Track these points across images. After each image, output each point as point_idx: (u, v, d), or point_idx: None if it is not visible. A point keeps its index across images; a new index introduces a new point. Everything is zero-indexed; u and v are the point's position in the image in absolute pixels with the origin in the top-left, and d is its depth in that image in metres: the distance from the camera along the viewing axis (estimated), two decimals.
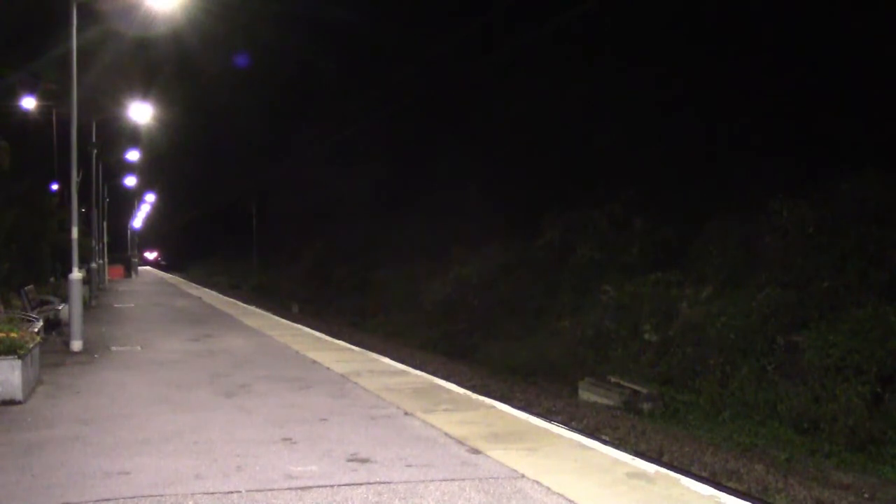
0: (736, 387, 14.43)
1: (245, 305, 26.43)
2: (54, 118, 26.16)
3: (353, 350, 13.35)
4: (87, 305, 18.14)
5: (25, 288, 16.84)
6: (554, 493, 5.00)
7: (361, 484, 5.16)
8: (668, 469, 6.27)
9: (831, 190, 16.83)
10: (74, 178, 13.87)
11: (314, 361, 11.39)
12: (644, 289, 19.02)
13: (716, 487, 5.82)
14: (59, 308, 16.28)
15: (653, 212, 22.26)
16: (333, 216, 48.89)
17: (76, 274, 13.05)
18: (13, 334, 8.61)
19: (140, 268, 70.92)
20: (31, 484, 5.25)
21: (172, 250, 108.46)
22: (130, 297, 29.42)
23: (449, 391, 9.04)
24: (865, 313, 13.60)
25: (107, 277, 36.80)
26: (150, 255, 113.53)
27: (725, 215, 19.27)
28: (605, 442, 9.22)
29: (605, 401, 15.19)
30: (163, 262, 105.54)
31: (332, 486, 5.13)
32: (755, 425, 13.18)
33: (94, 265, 27.38)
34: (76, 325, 12.70)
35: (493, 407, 8.14)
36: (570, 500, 4.87)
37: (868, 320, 13.41)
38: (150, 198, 65.52)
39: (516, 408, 8.81)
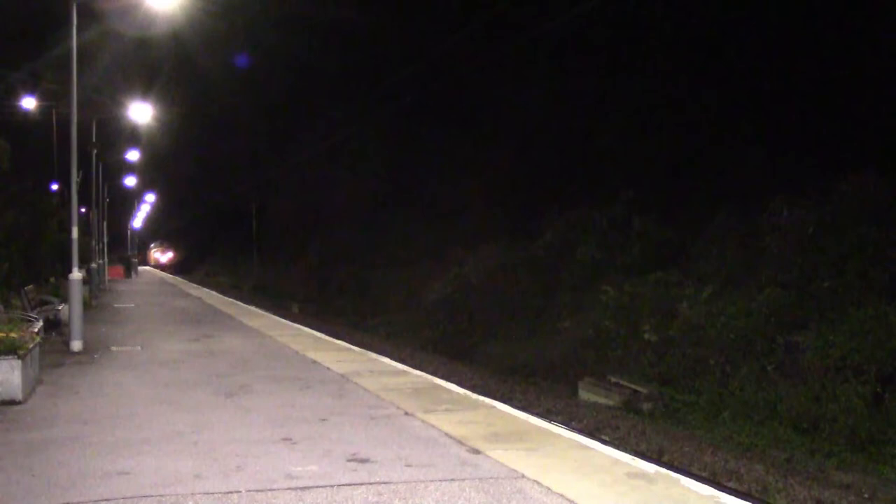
0: (736, 387, 14.42)
1: (245, 305, 26.44)
2: (54, 118, 26.17)
3: (353, 350, 13.35)
4: (87, 305, 18.13)
5: (25, 288, 16.85)
6: (554, 493, 5.00)
7: (361, 484, 5.16)
8: (668, 469, 6.27)
9: (831, 190, 16.83)
10: (74, 178, 13.87)
11: (314, 361, 11.39)
12: (644, 289, 19.02)
13: (716, 487, 5.82)
14: (59, 308, 16.28)
15: (653, 212, 22.27)
16: (333, 216, 48.91)
17: (76, 274, 13.04)
18: (13, 334, 8.61)
19: (140, 268, 70.86)
20: (31, 484, 5.25)
21: (184, 251, 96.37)
22: (130, 297, 29.41)
23: (449, 391, 9.04)
24: (865, 313, 13.60)
25: (107, 277, 36.79)
26: (163, 257, 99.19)
27: (725, 215, 19.27)
28: (605, 442, 9.22)
29: (605, 401, 15.18)
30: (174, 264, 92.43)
31: (332, 486, 5.13)
32: (755, 425, 13.17)
33: (94, 265, 27.39)
34: (76, 325, 12.70)
35: (494, 407, 8.14)
36: (570, 500, 4.87)
37: (868, 320, 13.41)
38: (151, 198, 65.58)
39: (516, 408, 8.81)
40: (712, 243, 19.04)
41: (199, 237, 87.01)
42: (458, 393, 8.92)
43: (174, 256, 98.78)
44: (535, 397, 15.61)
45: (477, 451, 6.06)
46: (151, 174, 54.70)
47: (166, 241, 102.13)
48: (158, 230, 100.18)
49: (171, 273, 74.08)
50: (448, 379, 11.70)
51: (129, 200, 58.27)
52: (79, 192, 14.25)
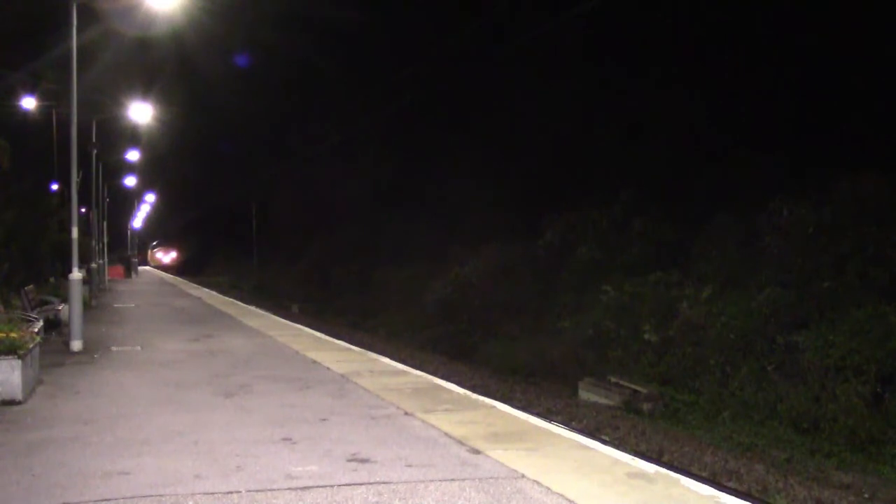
0: (736, 387, 14.43)
1: (245, 305, 26.43)
2: (54, 118, 26.17)
3: (353, 350, 13.35)
4: (87, 305, 18.13)
5: (25, 288, 16.84)
6: (554, 493, 5.00)
7: (361, 484, 5.16)
8: (668, 469, 6.27)
9: (831, 190, 16.83)
10: (74, 178, 13.86)
11: (314, 361, 11.39)
12: (644, 289, 19.03)
13: (716, 487, 5.83)
14: (59, 308, 16.27)
15: (653, 212, 22.26)
16: (333, 216, 48.92)
17: (76, 274, 13.04)
18: (13, 334, 8.60)
19: (140, 268, 70.74)
20: (31, 484, 5.25)
21: (187, 250, 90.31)
22: (130, 297, 29.41)
23: (449, 391, 9.04)
24: (865, 313, 13.60)
25: (107, 277, 36.79)
26: (166, 257, 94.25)
27: (725, 215, 19.27)
28: (605, 442, 9.23)
29: (605, 401, 15.19)
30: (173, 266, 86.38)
31: (332, 486, 5.13)
32: (755, 425, 13.18)
33: (94, 265, 27.40)
34: (76, 325, 12.70)
35: (494, 407, 8.13)
36: (570, 500, 4.87)
37: (868, 320, 13.42)
38: (151, 198, 65.61)
39: (516, 408, 8.81)
40: (712, 243, 19.04)
41: (202, 237, 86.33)
42: (458, 393, 8.92)
43: (178, 256, 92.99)
44: (535, 397, 15.62)
45: (477, 451, 6.06)
46: (151, 174, 54.72)
47: (169, 241, 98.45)
48: (158, 230, 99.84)
49: (174, 274, 72.12)
50: (448, 379, 11.70)
51: (129, 200, 58.33)
52: (79, 192, 14.25)
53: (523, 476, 5.37)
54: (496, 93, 36.04)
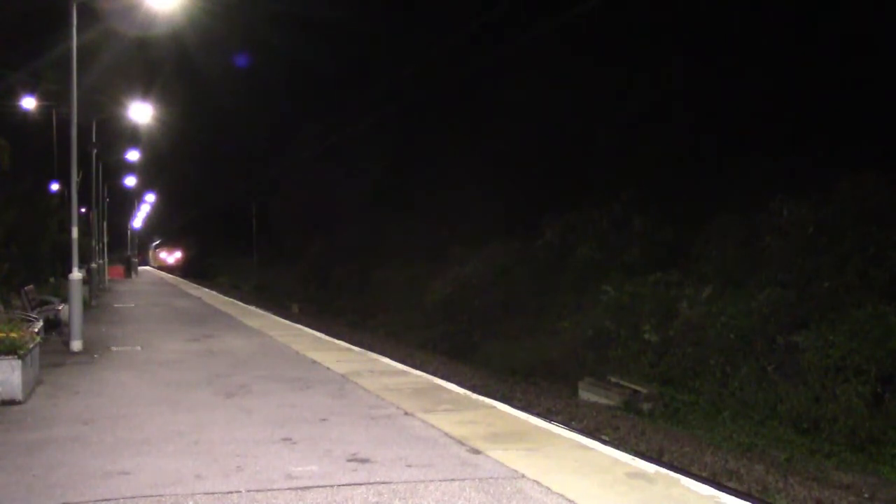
0: (736, 387, 14.42)
1: (245, 306, 26.43)
2: (54, 118, 26.18)
3: (353, 350, 13.35)
4: (87, 305, 18.14)
5: (25, 288, 16.85)
6: (554, 493, 5.00)
7: (361, 484, 5.16)
8: (668, 469, 6.27)
9: (831, 190, 16.83)
10: (74, 178, 13.87)
11: (314, 361, 11.39)
12: (644, 289, 19.01)
13: (716, 487, 5.83)
14: (59, 308, 16.27)
15: (653, 212, 22.25)
16: (333, 216, 48.91)
17: (76, 274, 13.05)
18: (13, 334, 8.61)
19: (140, 268, 70.63)
20: (31, 484, 5.25)
21: (193, 249, 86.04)
22: (130, 298, 29.41)
23: (449, 391, 9.04)
24: (865, 313, 13.59)
25: (107, 277, 36.80)
26: (170, 257, 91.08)
27: (725, 215, 19.26)
28: (605, 442, 9.23)
29: (605, 401, 15.18)
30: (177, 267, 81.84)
31: (332, 486, 5.14)
32: (755, 425, 13.17)
33: (94, 265, 27.41)
34: (76, 325, 12.70)
35: (494, 407, 8.14)
36: (570, 500, 4.87)
37: (868, 320, 13.41)
38: (151, 198, 65.63)
39: (516, 408, 8.81)
40: (712, 243, 19.02)
41: (202, 237, 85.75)
42: (458, 393, 8.92)
43: (182, 257, 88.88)
44: (535, 397, 15.61)
45: (477, 451, 6.06)
46: (151, 174, 54.79)
47: (172, 240, 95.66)
48: (158, 230, 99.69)
49: (177, 275, 70.49)
50: (448, 379, 11.71)
51: (129, 200, 58.38)
52: (79, 192, 14.25)
53: (523, 476, 5.37)
54: (496, 92, 36.05)
